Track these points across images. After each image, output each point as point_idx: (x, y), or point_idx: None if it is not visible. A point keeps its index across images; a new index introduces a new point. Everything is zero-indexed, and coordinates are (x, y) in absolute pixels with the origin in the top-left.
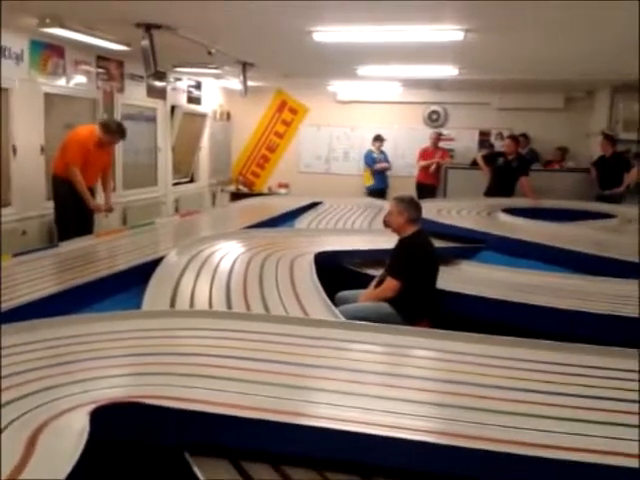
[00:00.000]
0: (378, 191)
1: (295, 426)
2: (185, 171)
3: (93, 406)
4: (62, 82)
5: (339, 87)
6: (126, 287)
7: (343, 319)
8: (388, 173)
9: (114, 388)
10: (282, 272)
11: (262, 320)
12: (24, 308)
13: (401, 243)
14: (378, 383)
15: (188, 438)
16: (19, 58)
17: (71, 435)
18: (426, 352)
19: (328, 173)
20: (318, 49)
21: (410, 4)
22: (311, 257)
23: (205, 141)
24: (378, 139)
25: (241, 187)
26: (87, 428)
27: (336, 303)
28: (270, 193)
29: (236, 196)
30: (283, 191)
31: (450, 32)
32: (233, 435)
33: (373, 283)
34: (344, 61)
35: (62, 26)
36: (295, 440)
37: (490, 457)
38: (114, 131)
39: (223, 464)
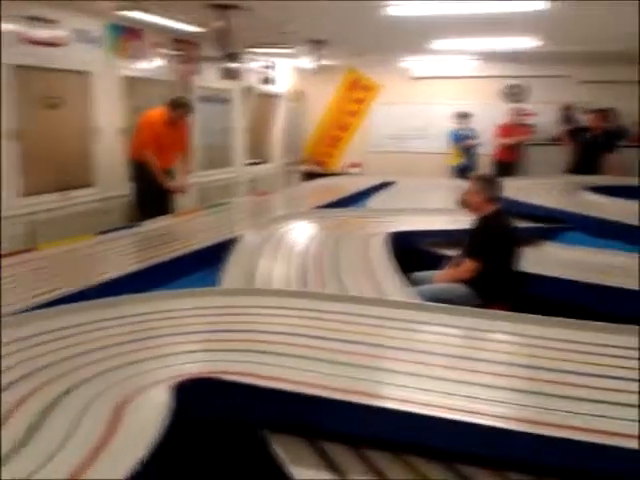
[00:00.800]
0: (467, 169)
1: (369, 407)
2: (259, 151)
3: (174, 381)
4: (140, 65)
5: (413, 63)
6: (204, 265)
7: (419, 300)
8: (480, 151)
9: (194, 364)
10: (356, 252)
11: (338, 300)
12: (106, 285)
13: (479, 222)
14: (455, 367)
15: (266, 415)
16: (99, 42)
17: (153, 410)
18: (504, 336)
19: (402, 151)
20: (392, 24)
21: None
22: (385, 237)
23: (279, 121)
24: (463, 115)
25: (313, 167)
26: (169, 403)
27: (411, 284)
28: (342, 173)
29: (308, 176)
30: (355, 171)
31: (536, 1)
32: (310, 414)
33: (449, 264)
34: (418, 35)
35: (139, 9)
36: (369, 422)
37: (575, 446)
38: (180, 105)
39: (301, 443)
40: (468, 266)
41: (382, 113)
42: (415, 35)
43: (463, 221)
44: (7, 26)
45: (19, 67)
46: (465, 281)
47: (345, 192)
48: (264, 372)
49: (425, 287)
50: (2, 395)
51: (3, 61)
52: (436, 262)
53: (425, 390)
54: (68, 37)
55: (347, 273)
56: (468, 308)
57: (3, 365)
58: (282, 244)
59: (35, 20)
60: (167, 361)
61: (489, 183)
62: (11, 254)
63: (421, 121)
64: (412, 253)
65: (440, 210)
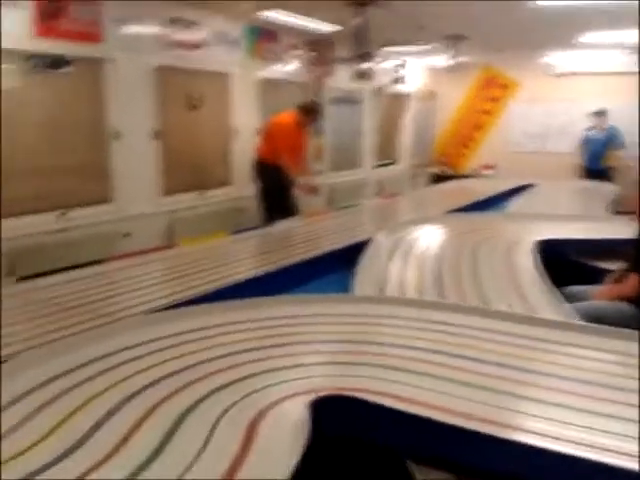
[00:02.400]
0: (594, 172)
1: (507, 441)
2: (388, 153)
3: (312, 396)
4: (276, 67)
5: (556, 58)
6: (334, 268)
7: (577, 320)
8: (621, 152)
9: (328, 377)
10: (499, 261)
11: (480, 314)
12: (238, 286)
13: None
14: (614, 400)
15: (403, 441)
16: (237, 44)
17: (291, 427)
18: None
19: (542, 152)
20: (537, 15)
21: None
22: (531, 245)
23: (408, 122)
24: (598, 114)
25: (444, 168)
26: (307, 420)
27: (565, 300)
28: (474, 175)
29: (438, 178)
30: (489, 172)
31: None
32: (448, 444)
33: (610, 279)
34: (565, 28)
35: (277, 7)
36: (506, 457)
37: None
38: (311, 111)
39: (441, 474)
40: (634, 282)
41: (520, 112)
42: (562, 27)
43: (621, 230)
44: (149, 28)
45: (160, 68)
46: (631, 299)
47: (480, 195)
48: (398, 391)
49: (583, 304)
50: (130, 403)
51: (147, 62)
52: (593, 276)
53: (575, 426)
54: (208, 39)
55: (489, 284)
56: (635, 332)
57: (131, 369)
58: (414, 249)
59: (176, 22)
60: (301, 372)
61: None
62: (148, 251)
63: (562, 120)
64: (562, 264)
65: (592, 217)
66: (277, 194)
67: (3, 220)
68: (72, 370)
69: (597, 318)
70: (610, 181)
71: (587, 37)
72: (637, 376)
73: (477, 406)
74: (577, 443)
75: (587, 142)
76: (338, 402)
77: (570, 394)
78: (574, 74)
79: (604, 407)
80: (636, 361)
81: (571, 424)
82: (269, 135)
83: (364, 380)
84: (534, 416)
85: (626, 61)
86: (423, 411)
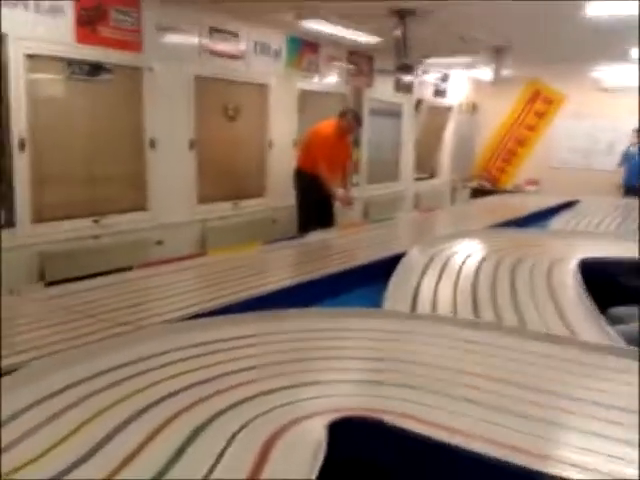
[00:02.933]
0: (633, 189)
1: (542, 474)
2: (427, 166)
3: (331, 417)
4: (315, 78)
5: (604, 73)
6: (366, 282)
7: (623, 344)
8: None
9: (351, 396)
10: (538, 280)
11: (517, 335)
12: (267, 297)
13: None
14: None
15: (425, 470)
16: (277, 55)
17: (307, 448)
18: None
19: (587, 169)
20: (588, 27)
21: None
22: (574, 264)
23: (449, 135)
24: (638, 131)
25: (484, 183)
26: (324, 443)
27: (609, 322)
28: (516, 190)
29: (478, 193)
30: (532, 188)
31: None
32: (478, 475)
33: None
34: (615, 41)
35: (318, 17)
36: None
37: None
38: (351, 120)
39: None
40: None
41: (565, 127)
42: (612, 41)
43: None
44: (189, 38)
45: (199, 78)
46: None
47: (522, 211)
48: (426, 416)
49: (628, 327)
50: (144, 415)
51: (186, 72)
52: (638, 297)
53: (617, 459)
54: (248, 49)
55: (527, 304)
56: None
57: (149, 380)
58: (450, 265)
59: (216, 32)
60: (323, 390)
61: None
62: (180, 259)
63: (609, 136)
64: (608, 285)
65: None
66: (314, 204)
67: (36, 225)
68: (86, 379)
69: None
70: None
71: (636, 51)
72: None
73: (510, 434)
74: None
75: (628, 158)
76: (358, 424)
77: (612, 423)
78: (622, 89)
79: None
80: None
81: (614, 456)
82: (308, 144)
83: (388, 401)
84: (573, 447)
85: None
86: (451, 438)
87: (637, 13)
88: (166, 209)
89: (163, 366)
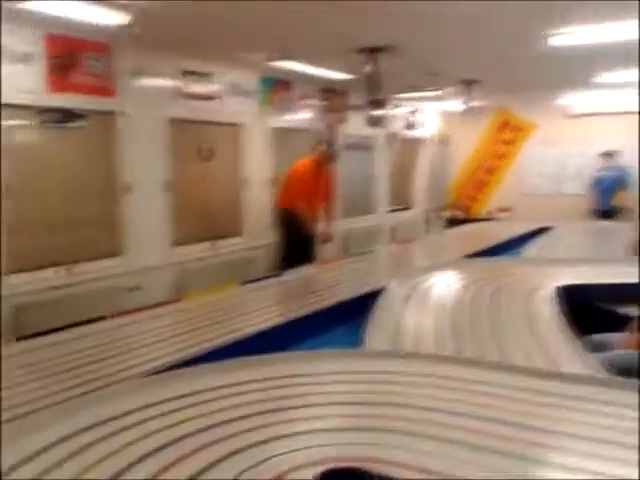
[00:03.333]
0: (604, 213)
1: None
2: (401, 198)
3: (318, 470)
4: (289, 116)
5: (570, 99)
6: (347, 319)
7: (604, 373)
8: (630, 192)
9: (337, 446)
10: (518, 310)
11: (501, 370)
12: (244, 342)
13: None
14: None
15: None
16: (250, 94)
17: None
18: None
19: (557, 194)
20: (553, 56)
21: None
22: (551, 291)
23: (422, 167)
24: (606, 155)
25: (457, 212)
26: None
27: (590, 349)
28: (489, 218)
29: (453, 222)
30: (504, 215)
31: None
32: None
33: (637, 326)
34: (580, 69)
35: (290, 58)
36: None
37: None
38: (324, 149)
39: None
40: None
41: (535, 154)
42: (577, 68)
43: None
44: (162, 80)
45: (173, 120)
46: None
47: (496, 239)
48: (416, 462)
49: (609, 355)
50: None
51: (160, 115)
52: (616, 323)
53: None
54: (222, 90)
55: (508, 336)
56: None
57: (125, 438)
58: (430, 298)
59: (190, 74)
60: (308, 440)
61: None
62: (156, 305)
63: (577, 161)
64: (585, 311)
65: (613, 259)
66: (295, 242)
67: (7, 277)
68: (66, 439)
69: (625, 369)
70: (620, 221)
71: (602, 77)
72: None
73: (498, 475)
74: None
75: (598, 183)
76: (346, 476)
77: (597, 457)
78: (588, 115)
79: (634, 472)
80: None
81: None
82: (285, 182)
83: (376, 448)
84: None
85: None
86: None
87: (602, 41)
88: (141, 253)
89: (141, 422)
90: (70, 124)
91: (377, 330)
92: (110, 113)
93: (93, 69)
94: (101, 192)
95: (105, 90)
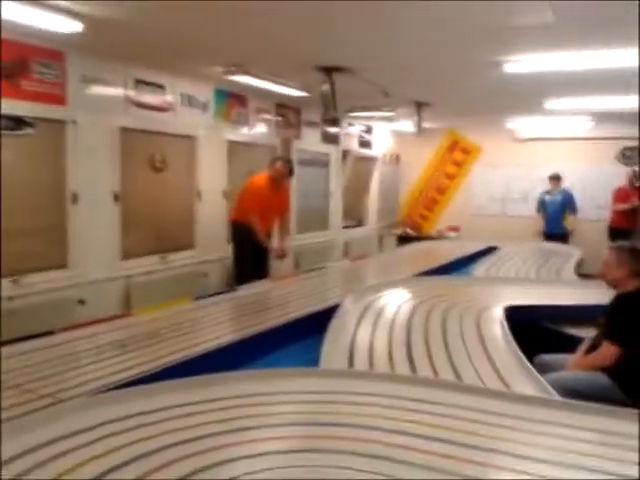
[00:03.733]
0: (553, 236)
1: None
2: (354, 215)
3: None
4: (244, 130)
5: (519, 124)
6: (301, 336)
7: (552, 394)
8: (575, 216)
9: (291, 468)
10: (468, 329)
11: (454, 390)
12: (196, 361)
13: (620, 300)
14: None
15: None
16: (205, 107)
17: None
18: None
19: (504, 215)
20: (504, 83)
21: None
22: (500, 312)
23: (374, 184)
24: (553, 178)
25: (408, 230)
26: None
27: (537, 369)
28: (439, 237)
29: (403, 239)
30: (453, 234)
31: None
32: None
33: (582, 347)
34: (531, 94)
35: (246, 73)
36: None
37: None
38: (282, 166)
39: None
40: (607, 351)
41: (483, 175)
42: (526, 94)
43: (596, 295)
44: (114, 89)
45: (124, 130)
46: (605, 369)
47: (446, 258)
48: None
49: (555, 375)
50: None
51: (110, 124)
52: (564, 343)
53: None
54: (175, 101)
55: (460, 355)
56: (614, 409)
57: (73, 460)
58: (383, 316)
59: (143, 84)
60: (260, 463)
61: (633, 255)
62: (104, 320)
63: (525, 184)
64: (532, 331)
65: (564, 281)
66: (251, 256)
67: None
68: (14, 458)
69: (572, 390)
70: (568, 243)
71: (550, 104)
72: (621, 459)
73: None
74: None
75: (544, 206)
76: None
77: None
78: (535, 139)
79: None
80: (618, 441)
81: None
82: (241, 196)
83: (333, 471)
84: None
85: (584, 127)
86: None
87: (552, 70)
88: (88, 265)
89: (90, 443)
90: (18, 132)
91: (332, 349)
92: (60, 122)
93: (43, 76)
94: (48, 202)
95: (55, 98)
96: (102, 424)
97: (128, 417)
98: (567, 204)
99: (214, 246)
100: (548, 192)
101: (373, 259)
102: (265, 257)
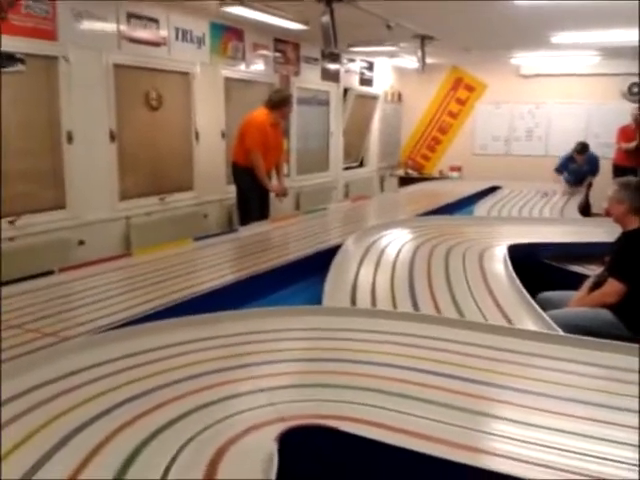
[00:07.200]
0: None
1: (481, 470)
2: (355, 155)
3: (281, 427)
4: (241, 66)
5: (524, 60)
6: (303, 276)
7: (555, 330)
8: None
9: (298, 403)
10: (471, 267)
11: (457, 326)
12: (200, 298)
13: (624, 238)
14: (594, 418)
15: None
16: (201, 42)
17: (257, 463)
18: None
19: (507, 155)
20: (509, 15)
21: None
22: (503, 250)
23: (375, 124)
24: (580, 151)
25: (410, 171)
26: (275, 455)
27: (540, 307)
28: (441, 177)
29: (405, 180)
30: (455, 175)
31: None
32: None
33: (587, 284)
34: (537, 28)
35: (243, 4)
36: None
37: None
38: (283, 102)
39: None
40: (612, 288)
41: (486, 114)
42: (533, 28)
43: (595, 232)
44: (107, 24)
45: (118, 66)
46: (609, 306)
47: (448, 198)
48: (375, 419)
49: (559, 311)
50: (81, 434)
51: (104, 60)
52: (567, 281)
53: (554, 449)
54: (170, 36)
55: (463, 292)
56: (617, 343)
57: (80, 396)
58: (386, 255)
59: (135, 18)
60: (268, 398)
61: (636, 192)
62: (105, 260)
63: (530, 122)
64: (536, 269)
65: (568, 220)
66: (251, 197)
67: None
68: (15, 397)
69: (575, 326)
70: None
71: (557, 38)
72: (622, 392)
73: (456, 431)
74: (556, 469)
75: (567, 170)
76: (309, 433)
77: (550, 413)
78: (540, 75)
79: (587, 429)
80: (620, 375)
81: (550, 447)
82: (241, 134)
83: (336, 405)
84: (513, 439)
85: (590, 62)
86: (401, 440)
87: (559, 2)
88: (87, 206)
89: (95, 380)
90: (8, 68)
91: (335, 288)
92: (52, 58)
93: (33, 10)
94: (43, 142)
95: (46, 33)
96: (106, 362)
97: (131, 355)
98: (592, 172)
99: (214, 187)
100: (573, 160)
101: (375, 200)
102: (268, 199)
